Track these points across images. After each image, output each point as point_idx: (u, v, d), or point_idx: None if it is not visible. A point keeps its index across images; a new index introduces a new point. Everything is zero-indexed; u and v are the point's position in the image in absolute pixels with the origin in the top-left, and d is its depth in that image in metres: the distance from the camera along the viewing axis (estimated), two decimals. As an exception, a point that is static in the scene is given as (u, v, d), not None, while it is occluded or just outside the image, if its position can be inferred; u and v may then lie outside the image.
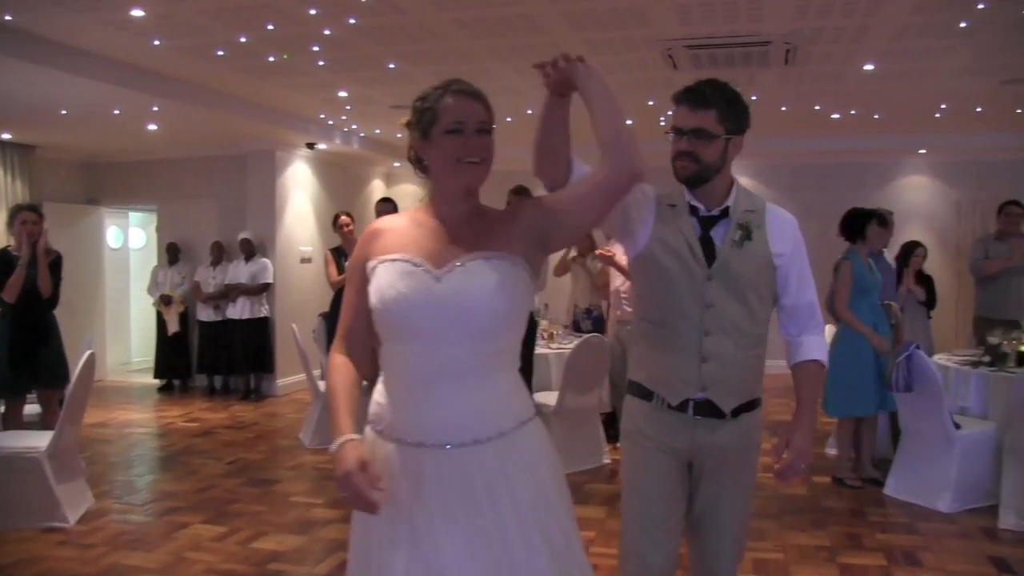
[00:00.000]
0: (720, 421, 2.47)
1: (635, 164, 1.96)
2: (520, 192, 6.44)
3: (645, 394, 2.54)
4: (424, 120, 1.98)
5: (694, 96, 2.43)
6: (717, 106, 2.41)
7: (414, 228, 2.03)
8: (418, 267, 1.92)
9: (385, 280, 1.93)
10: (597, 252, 7.44)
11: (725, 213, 2.50)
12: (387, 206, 7.13)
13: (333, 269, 7.87)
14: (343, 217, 8.09)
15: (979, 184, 10.67)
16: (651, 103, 8.30)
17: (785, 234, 2.51)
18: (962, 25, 5.73)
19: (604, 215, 2.08)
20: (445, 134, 1.95)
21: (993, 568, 4.37)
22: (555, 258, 9.03)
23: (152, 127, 8.74)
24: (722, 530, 2.56)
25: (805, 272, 2.54)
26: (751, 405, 2.52)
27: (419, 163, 2.06)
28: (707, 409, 2.45)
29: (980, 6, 5.34)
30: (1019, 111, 8.54)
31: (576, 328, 7.77)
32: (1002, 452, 5.07)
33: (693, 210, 2.51)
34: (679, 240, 2.47)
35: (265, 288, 9.63)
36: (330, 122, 9.62)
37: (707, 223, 2.50)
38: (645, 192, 2.52)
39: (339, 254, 7.98)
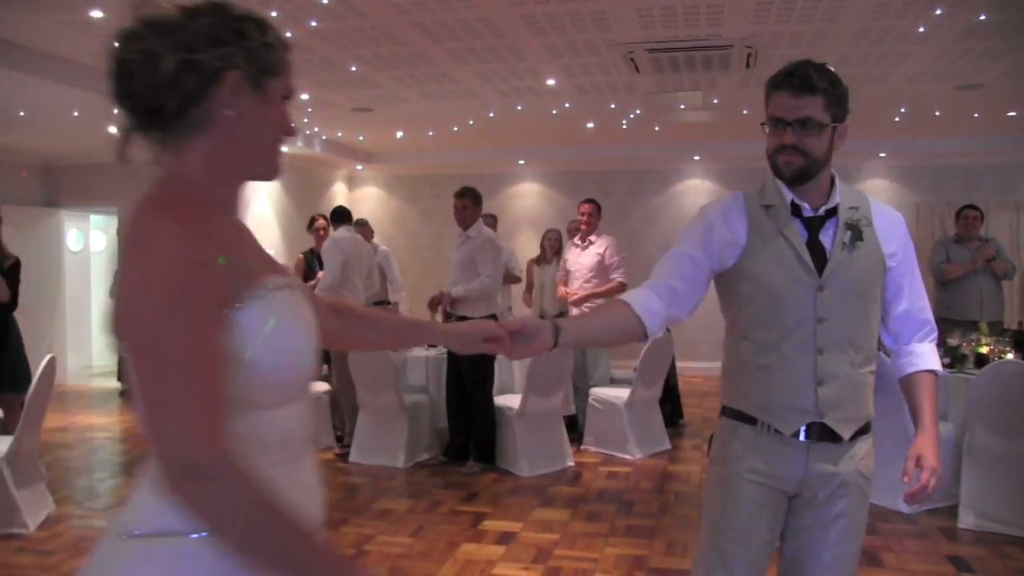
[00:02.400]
0: (836, 446, 2.18)
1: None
2: (464, 195, 6.45)
3: (746, 418, 2.23)
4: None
5: (798, 80, 2.10)
6: (823, 91, 2.09)
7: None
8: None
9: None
10: (559, 294, 7.52)
11: (832, 212, 2.19)
12: (342, 210, 7.21)
13: (300, 278, 7.86)
14: (320, 220, 8.11)
15: (938, 187, 10.85)
16: (613, 106, 8.33)
17: (895, 232, 2.21)
18: (920, 31, 5.82)
19: None
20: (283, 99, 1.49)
21: (952, 567, 4.43)
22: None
23: (113, 129, 8.60)
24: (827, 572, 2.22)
25: (917, 273, 2.27)
26: (867, 427, 2.25)
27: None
28: (822, 434, 2.16)
29: (937, 12, 5.43)
30: (976, 116, 8.68)
31: None
32: (961, 453, 5.14)
33: (796, 210, 2.19)
34: (784, 248, 2.17)
35: None
36: (291, 124, 9.53)
37: (813, 225, 2.19)
38: (727, 212, 2.26)
39: (310, 258, 8.02)
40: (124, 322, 1.24)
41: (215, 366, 1.21)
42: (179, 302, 1.19)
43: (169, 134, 1.36)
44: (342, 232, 7.11)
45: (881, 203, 2.27)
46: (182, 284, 1.20)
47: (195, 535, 1.22)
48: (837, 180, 2.24)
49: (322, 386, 7.36)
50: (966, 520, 5.01)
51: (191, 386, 1.18)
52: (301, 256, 8.23)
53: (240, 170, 1.41)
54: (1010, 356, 5.57)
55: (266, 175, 1.45)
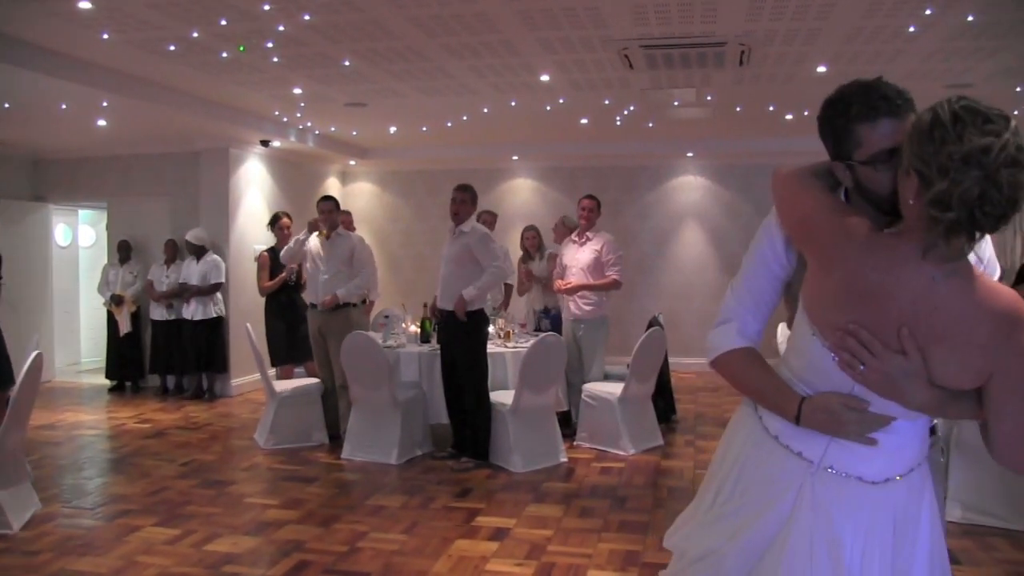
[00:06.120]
0: None
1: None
2: (466, 189, 6.47)
3: None
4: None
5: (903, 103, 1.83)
6: None
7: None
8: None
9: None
10: (556, 287, 7.50)
11: None
12: (329, 204, 7.15)
13: (266, 275, 7.91)
14: (285, 219, 8.25)
15: (928, 185, 10.89)
16: (607, 102, 8.33)
17: None
18: (910, 30, 5.84)
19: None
20: None
21: (941, 561, 4.45)
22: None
23: (101, 123, 8.58)
24: None
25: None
26: None
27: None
28: None
29: (927, 12, 5.45)
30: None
31: (537, 330, 7.77)
32: (949, 447, 5.18)
33: None
34: None
35: (216, 288, 9.49)
36: (284, 119, 9.51)
37: None
38: None
39: (275, 255, 7.97)
40: None
41: None
42: None
43: None
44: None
45: None
46: None
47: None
48: None
49: (314, 382, 7.35)
50: (954, 513, 5.06)
51: None
52: (266, 254, 8.11)
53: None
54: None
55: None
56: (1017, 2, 5.27)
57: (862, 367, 1.70)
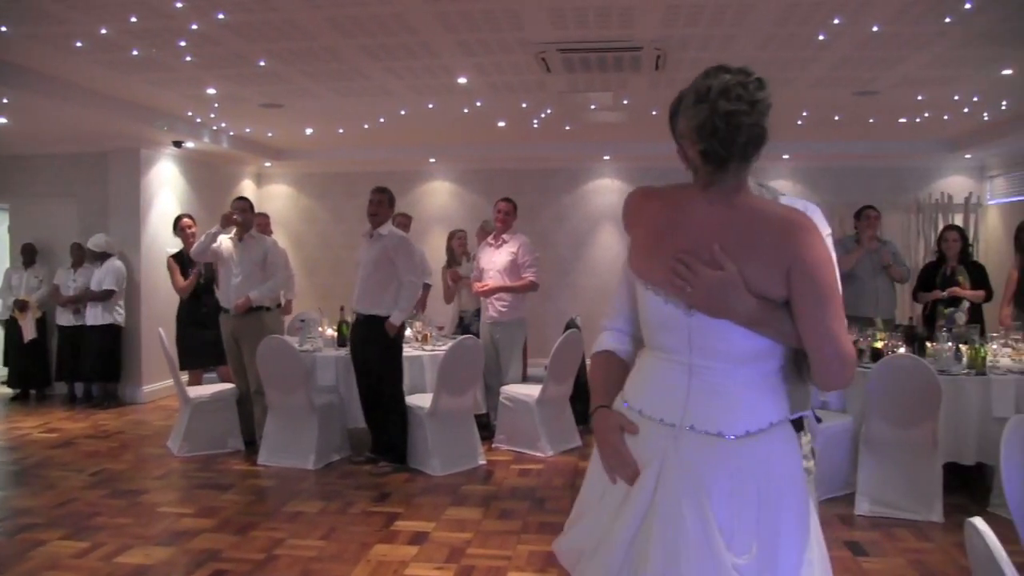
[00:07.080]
0: None
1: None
2: (383, 191, 6.45)
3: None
4: None
5: None
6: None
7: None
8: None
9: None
10: (473, 289, 7.51)
11: None
12: (243, 203, 7.00)
13: (179, 276, 7.92)
14: (185, 219, 8.20)
15: (838, 188, 11.23)
16: (524, 105, 8.37)
17: None
18: (820, 38, 6.02)
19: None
20: None
21: (848, 552, 4.61)
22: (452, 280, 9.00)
23: (2, 120, 8.24)
24: None
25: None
26: None
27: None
28: None
29: (835, 21, 5.63)
30: (871, 120, 9.03)
31: (465, 331, 7.74)
32: (858, 443, 5.36)
33: None
34: None
35: (109, 294, 9.17)
36: (198, 120, 9.29)
37: None
38: None
39: (180, 258, 7.93)
40: None
41: None
42: None
43: None
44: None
45: None
46: None
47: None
48: None
49: (229, 387, 7.20)
50: (862, 507, 5.26)
51: None
52: (171, 259, 8.04)
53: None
54: (902, 350, 5.81)
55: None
56: (917, 16, 5.50)
57: (689, 289, 1.91)
